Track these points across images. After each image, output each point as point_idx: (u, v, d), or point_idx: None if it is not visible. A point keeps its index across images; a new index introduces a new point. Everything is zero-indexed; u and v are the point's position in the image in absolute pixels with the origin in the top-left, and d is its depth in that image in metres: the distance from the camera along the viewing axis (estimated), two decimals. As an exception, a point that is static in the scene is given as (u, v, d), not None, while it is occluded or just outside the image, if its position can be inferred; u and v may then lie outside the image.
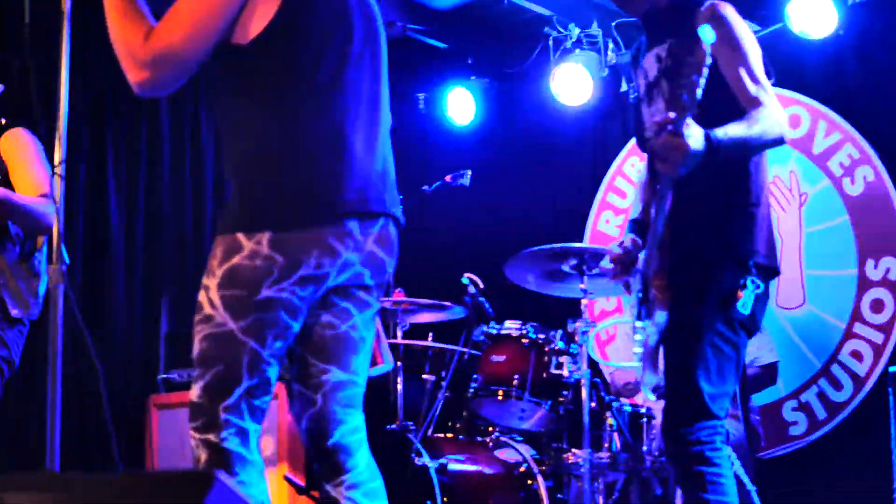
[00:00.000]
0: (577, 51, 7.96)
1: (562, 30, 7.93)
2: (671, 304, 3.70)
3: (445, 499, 5.30)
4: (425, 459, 5.35)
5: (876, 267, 6.91)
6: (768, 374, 6.32)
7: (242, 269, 2.84)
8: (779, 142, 3.63)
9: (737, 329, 3.72)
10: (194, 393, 2.91)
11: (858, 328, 6.93)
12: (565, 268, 5.65)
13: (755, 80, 3.62)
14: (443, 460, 5.41)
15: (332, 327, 3.01)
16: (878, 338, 6.85)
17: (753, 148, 3.62)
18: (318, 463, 3.09)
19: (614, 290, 5.94)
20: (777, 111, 3.61)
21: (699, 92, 3.19)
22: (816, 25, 6.90)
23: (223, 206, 3.01)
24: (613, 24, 7.85)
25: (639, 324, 3.97)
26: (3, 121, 4.86)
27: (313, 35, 2.96)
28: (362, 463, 3.09)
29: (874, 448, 6.32)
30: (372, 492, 3.07)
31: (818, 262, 7.11)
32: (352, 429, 3.07)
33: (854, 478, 6.55)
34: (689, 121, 3.28)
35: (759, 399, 6.54)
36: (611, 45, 7.95)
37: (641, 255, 3.95)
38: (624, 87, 7.98)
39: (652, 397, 3.82)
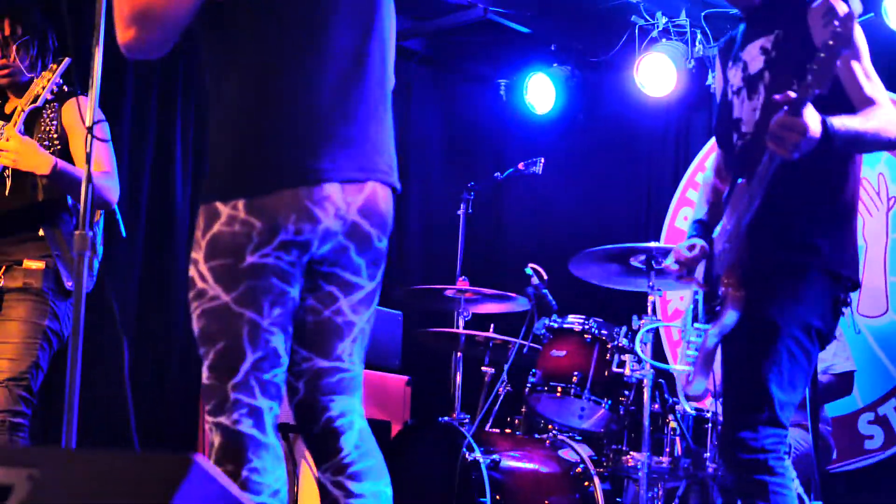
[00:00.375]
0: (664, 40, 7.76)
1: (649, 18, 7.74)
2: (745, 305, 3.57)
3: (497, 496, 5.14)
4: (477, 454, 5.18)
5: (964, 276, 6.62)
6: (843, 382, 6.06)
7: (223, 236, 2.74)
8: (893, 144, 3.53)
9: (813, 337, 3.58)
10: (203, 375, 2.81)
11: (943, 340, 6.64)
12: (634, 263, 5.49)
13: (870, 78, 3.49)
14: (496, 456, 5.25)
15: (315, 312, 2.89)
16: (964, 350, 6.57)
17: (867, 145, 3.50)
18: (308, 450, 2.99)
19: (685, 286, 5.72)
20: (893, 112, 3.48)
21: (816, 81, 3.10)
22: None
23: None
24: (702, 14, 7.65)
25: (697, 325, 3.83)
26: (66, 88, 4.80)
27: None
28: (349, 445, 2.95)
29: None
30: (362, 473, 2.95)
31: (910, 269, 6.82)
32: (337, 414, 2.94)
33: None
34: (809, 104, 3.18)
35: (833, 409, 6.29)
36: (699, 36, 7.73)
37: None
38: (710, 80, 7.75)
39: (687, 406, 3.63)
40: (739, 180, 3.60)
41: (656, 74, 7.75)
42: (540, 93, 8.36)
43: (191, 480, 1.90)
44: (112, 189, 4.71)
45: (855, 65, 3.46)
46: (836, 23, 3.08)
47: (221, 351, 2.76)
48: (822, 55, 3.11)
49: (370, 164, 2.88)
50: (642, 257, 5.42)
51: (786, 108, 3.20)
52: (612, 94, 8.35)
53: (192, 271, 2.80)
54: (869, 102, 3.45)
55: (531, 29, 8.07)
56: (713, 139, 7.62)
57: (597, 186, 8.38)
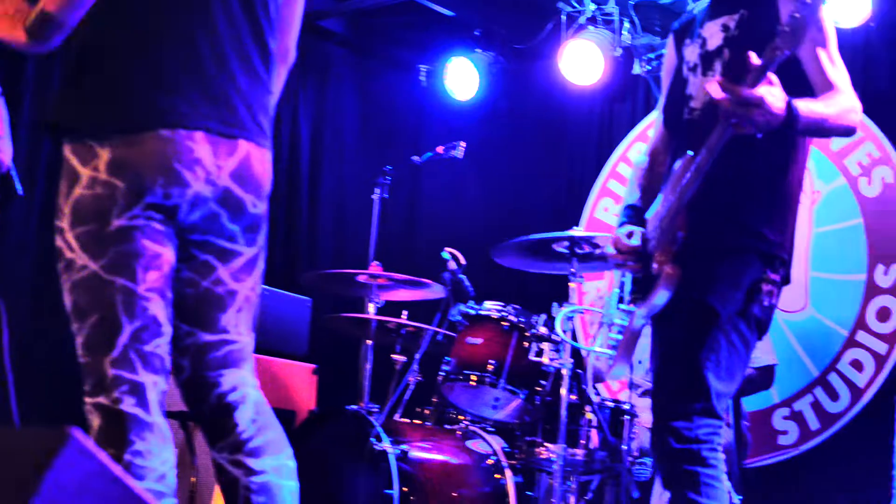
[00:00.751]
0: (591, 28, 7.57)
1: (576, 5, 7.58)
2: (679, 285, 3.41)
3: (405, 488, 4.92)
4: (385, 444, 4.95)
5: (886, 273, 6.56)
6: (764, 376, 5.93)
7: (85, 200, 2.58)
8: (851, 132, 3.44)
9: (752, 327, 3.45)
10: (78, 353, 2.62)
11: (861, 336, 6.57)
12: (558, 248, 5.32)
13: (834, 63, 3.43)
14: (405, 447, 5.02)
15: (192, 284, 2.74)
16: (881, 348, 6.50)
17: (828, 130, 3.42)
18: (201, 430, 2.85)
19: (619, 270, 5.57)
20: (854, 99, 3.41)
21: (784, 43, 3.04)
22: (846, 16, 6.44)
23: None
24: (631, 2, 7.48)
25: (623, 306, 3.68)
26: None
27: None
28: (244, 420, 2.80)
29: (870, 463, 6.07)
30: (261, 448, 2.80)
31: (825, 264, 6.74)
32: (229, 389, 2.79)
33: (847, 493, 6.25)
34: (775, 79, 3.10)
35: (749, 404, 6.14)
36: (626, 25, 7.54)
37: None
38: (637, 70, 7.60)
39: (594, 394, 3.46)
40: (688, 153, 3.42)
41: (582, 63, 7.56)
42: (461, 79, 8.14)
43: (66, 455, 1.78)
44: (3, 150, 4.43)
45: (820, 50, 3.39)
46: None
47: (95, 324, 2.58)
48: (789, 22, 3.01)
49: (242, 121, 2.73)
50: (566, 243, 5.24)
51: (749, 75, 3.09)
52: (535, 82, 8.19)
53: (58, 241, 2.62)
54: (829, 87, 3.38)
55: (455, 13, 7.90)
56: (638, 128, 7.67)
57: (517, 175, 8.24)
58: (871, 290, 6.55)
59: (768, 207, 3.49)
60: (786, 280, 3.54)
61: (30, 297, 6.33)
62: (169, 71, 2.64)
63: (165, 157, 2.58)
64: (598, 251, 5.18)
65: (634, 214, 3.71)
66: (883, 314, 6.50)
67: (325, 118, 8.15)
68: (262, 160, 2.78)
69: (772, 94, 3.10)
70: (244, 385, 2.82)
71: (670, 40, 3.87)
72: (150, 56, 2.64)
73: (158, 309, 2.61)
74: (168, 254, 2.64)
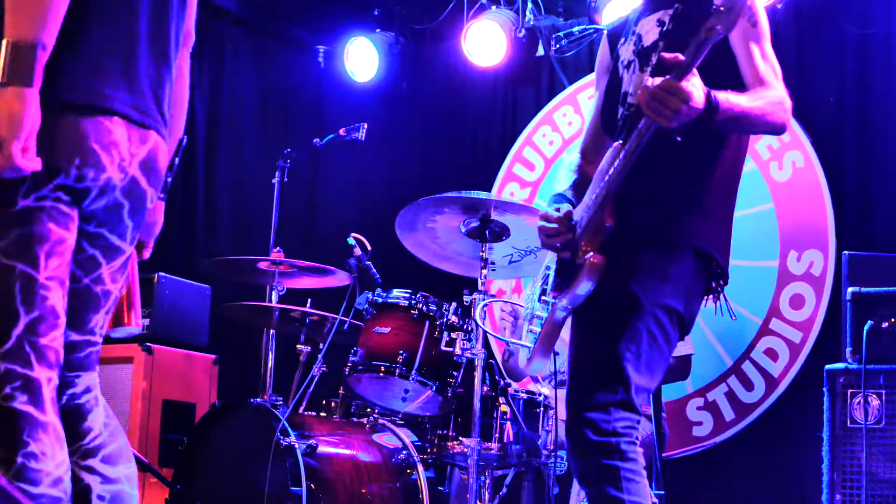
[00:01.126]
0: (493, 8, 7.44)
1: (478, -17, 7.39)
2: (603, 275, 3.30)
3: (312, 485, 4.73)
4: (292, 439, 4.75)
5: (799, 260, 6.48)
6: (681, 366, 5.82)
7: None
8: (780, 129, 3.34)
9: (674, 321, 3.34)
10: None
11: (775, 324, 6.49)
12: (462, 228, 5.05)
13: (766, 59, 3.34)
14: (312, 442, 4.82)
15: (74, 279, 2.56)
16: (795, 336, 6.42)
17: (752, 125, 3.31)
18: None
19: (517, 271, 5.38)
20: (784, 95, 3.32)
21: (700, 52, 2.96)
22: None
23: None
24: (535, -17, 7.34)
25: (545, 298, 3.55)
26: None
27: None
28: (97, 424, 2.67)
29: (787, 455, 5.97)
30: (114, 455, 2.67)
31: (737, 251, 6.46)
32: (82, 391, 2.66)
33: (764, 482, 6.18)
34: (696, 74, 3.01)
35: (663, 394, 6.03)
36: (529, 5, 7.39)
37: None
38: (541, 52, 7.47)
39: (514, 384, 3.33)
40: (618, 142, 3.30)
41: (484, 44, 7.43)
42: (361, 59, 7.95)
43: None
44: None
45: (753, 45, 3.31)
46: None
47: None
48: (725, 2, 2.87)
49: (153, 110, 2.60)
50: (475, 223, 4.98)
51: (671, 72, 2.99)
52: (437, 63, 8.06)
53: None
54: (760, 83, 3.28)
55: (353, -9, 7.69)
56: (544, 111, 7.54)
57: (421, 158, 8.08)
58: (784, 276, 6.48)
59: (696, 200, 3.38)
60: (724, 275, 3.47)
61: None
62: (94, 49, 2.48)
63: (83, 135, 2.41)
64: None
65: (563, 201, 3.58)
66: (796, 301, 6.43)
67: (222, 100, 7.89)
68: (165, 154, 2.68)
69: (691, 84, 3.00)
70: (95, 387, 2.70)
71: (604, 41, 3.78)
72: (78, 32, 2.46)
73: (57, 299, 2.44)
74: (71, 240, 2.47)
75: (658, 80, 2.99)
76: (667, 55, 3.02)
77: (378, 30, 7.95)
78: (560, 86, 7.61)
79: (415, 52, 8.06)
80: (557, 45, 6.95)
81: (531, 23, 7.42)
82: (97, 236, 2.58)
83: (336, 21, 8.07)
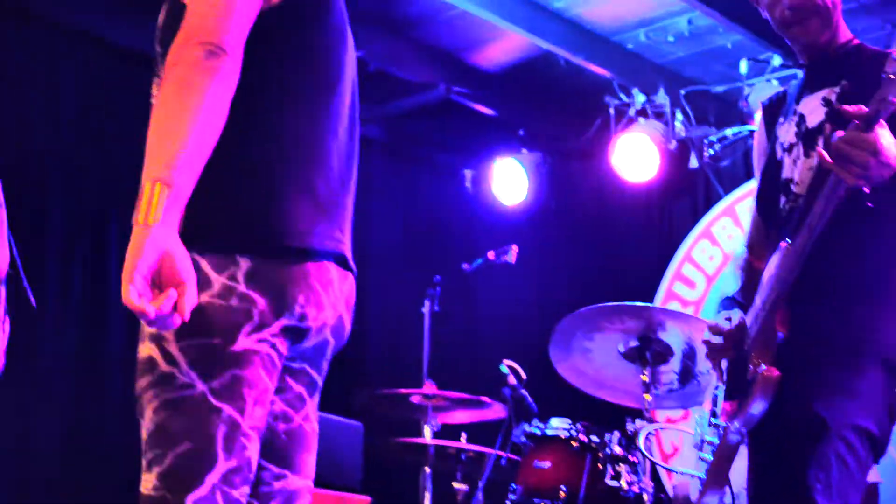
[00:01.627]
0: (642, 120, 7.21)
1: (624, 97, 7.27)
2: (779, 392, 2.99)
3: None
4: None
5: None
6: (867, 498, 5.36)
7: (212, 310, 2.23)
8: None
9: (866, 445, 3.01)
10: (147, 483, 2.22)
11: None
12: (620, 347, 4.91)
13: None
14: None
15: (286, 419, 2.42)
16: None
17: None
18: None
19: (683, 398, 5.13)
20: None
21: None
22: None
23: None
24: (682, 92, 7.17)
25: (716, 420, 3.28)
26: None
27: (325, 27, 2.48)
28: None
29: None
30: None
31: None
32: None
33: None
34: (884, 126, 2.77)
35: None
36: (679, 116, 7.16)
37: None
38: (694, 163, 7.23)
39: None
40: (786, 240, 3.03)
41: (634, 158, 7.21)
42: (508, 181, 7.83)
43: None
44: None
45: None
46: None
47: (185, 454, 2.20)
48: (885, 88, 2.67)
49: (349, 247, 2.49)
50: (634, 343, 4.82)
51: (855, 123, 2.75)
52: (586, 181, 7.92)
53: (149, 349, 2.26)
54: None
55: (497, 112, 7.60)
56: (702, 225, 7.27)
57: (574, 279, 7.88)
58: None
59: (886, 301, 3.07)
60: None
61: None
62: (313, 187, 2.37)
63: (304, 272, 2.30)
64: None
65: (733, 306, 3.33)
66: None
67: (370, 230, 7.81)
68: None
69: (885, 137, 2.77)
70: None
71: (759, 119, 3.53)
72: (300, 171, 2.37)
73: (254, 451, 2.26)
74: (272, 389, 2.32)
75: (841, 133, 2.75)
76: (848, 107, 2.76)
77: (524, 150, 7.84)
78: (717, 196, 7.36)
79: (562, 170, 7.95)
80: (711, 152, 6.73)
81: (682, 134, 7.20)
82: (301, 372, 2.45)
83: (481, 143, 8.00)
